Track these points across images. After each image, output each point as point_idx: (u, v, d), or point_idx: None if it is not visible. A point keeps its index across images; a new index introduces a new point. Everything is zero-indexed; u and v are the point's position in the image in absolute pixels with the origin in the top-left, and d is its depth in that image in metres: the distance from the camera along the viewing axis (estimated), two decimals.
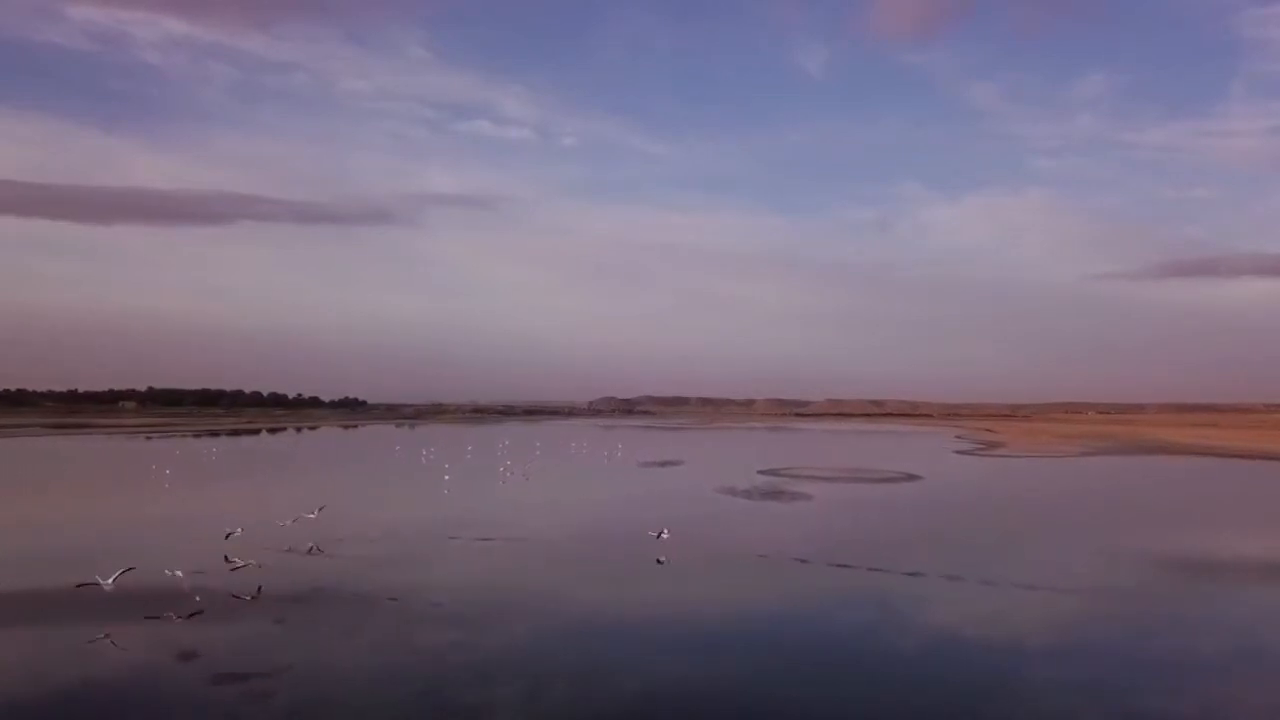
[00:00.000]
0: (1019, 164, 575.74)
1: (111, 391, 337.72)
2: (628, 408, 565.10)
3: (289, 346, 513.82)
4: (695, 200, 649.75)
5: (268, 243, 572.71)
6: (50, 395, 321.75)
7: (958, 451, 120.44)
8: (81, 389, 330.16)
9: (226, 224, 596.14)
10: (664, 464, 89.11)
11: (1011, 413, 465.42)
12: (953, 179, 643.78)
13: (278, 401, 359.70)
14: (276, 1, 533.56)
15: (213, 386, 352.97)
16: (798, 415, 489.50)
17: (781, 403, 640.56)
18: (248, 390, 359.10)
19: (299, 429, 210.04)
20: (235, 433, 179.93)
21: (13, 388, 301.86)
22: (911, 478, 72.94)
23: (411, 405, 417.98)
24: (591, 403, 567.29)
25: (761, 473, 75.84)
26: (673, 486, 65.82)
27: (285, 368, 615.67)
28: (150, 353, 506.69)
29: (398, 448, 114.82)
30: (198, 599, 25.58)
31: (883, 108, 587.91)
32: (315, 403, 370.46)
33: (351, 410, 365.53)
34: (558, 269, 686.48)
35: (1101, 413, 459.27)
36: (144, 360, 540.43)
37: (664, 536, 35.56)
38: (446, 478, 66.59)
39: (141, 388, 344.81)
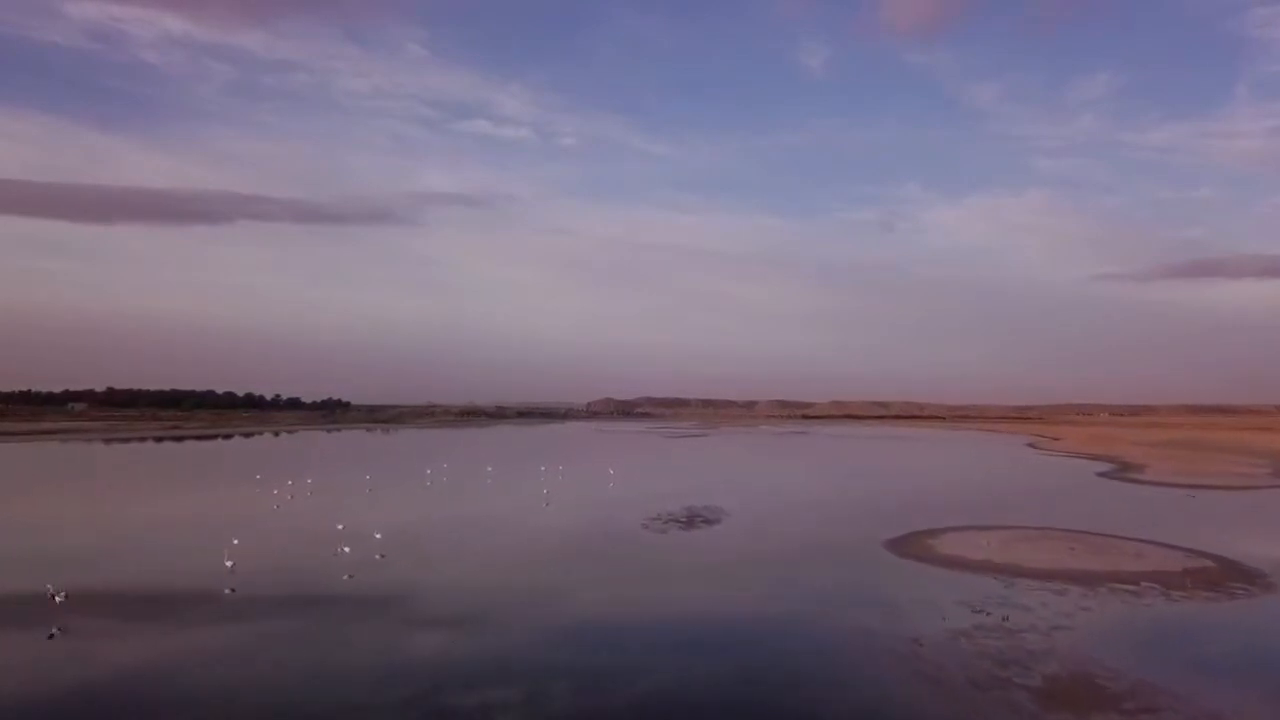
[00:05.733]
0: (1020, 165, 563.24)
1: (67, 392, 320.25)
2: (626, 409, 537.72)
3: (286, 345, 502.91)
4: (695, 200, 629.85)
5: (266, 242, 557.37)
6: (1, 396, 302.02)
7: (1100, 474, 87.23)
8: (42, 389, 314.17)
9: (225, 223, 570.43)
10: (688, 522, 52.35)
11: (1019, 414, 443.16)
12: (954, 179, 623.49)
13: (252, 403, 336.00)
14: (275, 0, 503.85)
15: (207, 387, 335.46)
16: (803, 417, 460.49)
17: (784, 404, 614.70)
18: (220, 390, 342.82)
19: (229, 436, 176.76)
20: (144, 439, 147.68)
21: None
22: (1245, 583, 34.93)
23: (395, 407, 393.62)
24: (590, 404, 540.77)
25: (895, 549, 41.80)
26: (736, 651, 28.62)
27: (281, 367, 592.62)
28: (148, 351, 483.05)
29: (258, 478, 77.16)
30: None
31: (884, 107, 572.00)
32: (294, 404, 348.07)
33: (331, 412, 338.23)
34: (556, 269, 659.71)
35: (1114, 414, 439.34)
36: (141, 359, 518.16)
37: None
38: None
39: (100, 388, 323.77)
